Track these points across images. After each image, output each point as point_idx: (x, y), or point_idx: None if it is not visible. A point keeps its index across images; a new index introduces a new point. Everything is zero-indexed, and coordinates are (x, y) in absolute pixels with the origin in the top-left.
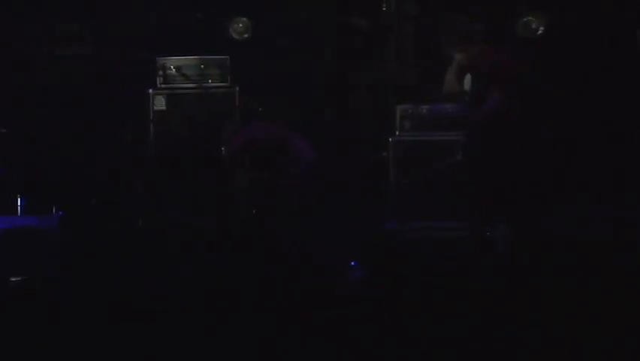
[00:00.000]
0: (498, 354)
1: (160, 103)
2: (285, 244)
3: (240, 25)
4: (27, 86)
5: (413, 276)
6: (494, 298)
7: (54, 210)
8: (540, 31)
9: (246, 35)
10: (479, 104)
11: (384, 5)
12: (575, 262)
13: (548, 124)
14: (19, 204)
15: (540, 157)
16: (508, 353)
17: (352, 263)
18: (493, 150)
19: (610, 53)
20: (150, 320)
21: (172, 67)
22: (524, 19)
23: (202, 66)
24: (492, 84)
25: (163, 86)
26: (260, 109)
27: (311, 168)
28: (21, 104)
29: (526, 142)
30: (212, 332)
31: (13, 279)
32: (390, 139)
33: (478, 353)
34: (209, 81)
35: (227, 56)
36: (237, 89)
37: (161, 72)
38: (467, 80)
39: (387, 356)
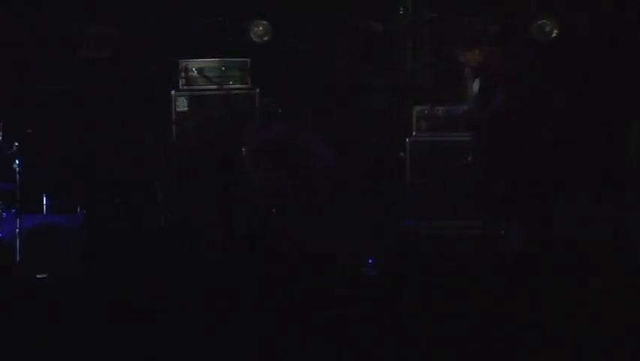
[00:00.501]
0: (505, 350)
1: (182, 104)
2: (303, 243)
3: (260, 28)
4: (52, 87)
5: (426, 273)
6: (506, 295)
7: (78, 209)
8: (554, 34)
9: (266, 38)
10: (486, 104)
11: (401, 9)
12: (575, 262)
13: (551, 124)
14: (44, 202)
15: (544, 156)
16: (515, 348)
17: (369, 261)
18: (498, 149)
19: (613, 54)
20: (170, 316)
21: (194, 69)
22: (538, 22)
23: (223, 68)
24: (497, 85)
25: (185, 87)
26: (279, 110)
27: (329, 168)
28: (47, 105)
29: (528, 141)
30: (229, 328)
31: (38, 276)
32: (406, 139)
33: (486, 350)
34: (230, 83)
35: (248, 59)
36: (257, 90)
37: (183, 74)
38: (476, 81)
39: (397, 353)
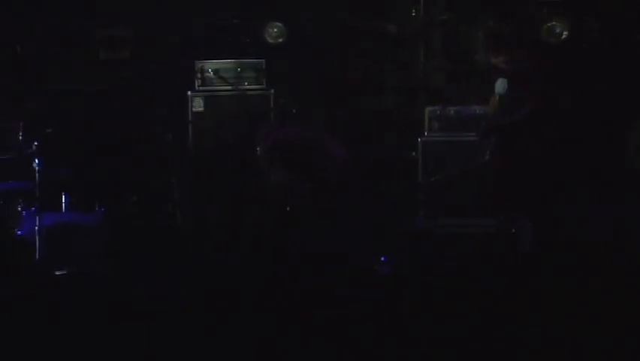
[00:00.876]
0: (515, 347)
1: (198, 104)
2: (316, 242)
3: (275, 30)
4: (71, 88)
5: (437, 271)
6: (516, 294)
7: (97, 207)
8: (564, 36)
9: (280, 40)
10: (511, 108)
11: (414, 11)
12: (580, 262)
13: (558, 124)
14: (63, 201)
15: (554, 156)
16: (525, 345)
17: (382, 259)
18: (517, 152)
19: (616, 55)
20: (185, 314)
21: (210, 70)
22: (548, 24)
23: (238, 69)
24: (525, 89)
25: (201, 88)
26: (293, 110)
27: (342, 167)
28: (66, 105)
29: (549, 145)
30: (244, 327)
31: (58, 272)
32: (419, 139)
33: (496, 348)
34: (246, 83)
35: (263, 60)
36: (272, 91)
37: (199, 75)
38: (499, 83)
39: (411, 350)
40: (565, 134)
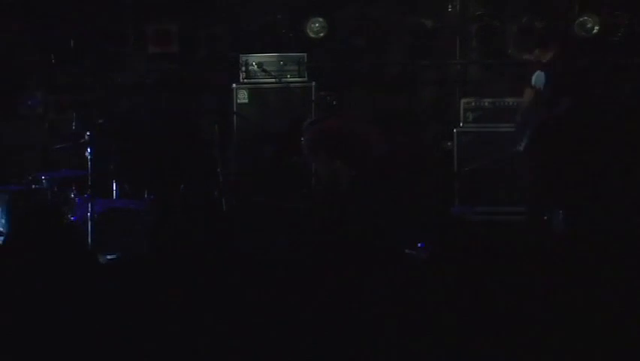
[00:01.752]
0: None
1: (243, 96)
2: (357, 229)
3: (317, 24)
4: (123, 80)
5: (473, 257)
6: (549, 280)
7: (146, 194)
8: (595, 31)
9: (322, 34)
10: (550, 103)
11: (450, 6)
12: (608, 251)
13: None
14: (114, 188)
15: (587, 147)
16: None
17: (420, 245)
18: (558, 146)
19: None
20: (232, 298)
21: (254, 63)
22: (580, 19)
23: (281, 63)
24: (565, 85)
25: (245, 81)
26: (334, 102)
27: (382, 157)
28: (117, 97)
29: (578, 134)
30: (287, 308)
31: (109, 257)
32: (454, 130)
33: (529, 334)
34: (288, 76)
35: (305, 54)
36: (314, 83)
37: (243, 68)
38: (536, 76)
39: (444, 335)
40: (597, 127)
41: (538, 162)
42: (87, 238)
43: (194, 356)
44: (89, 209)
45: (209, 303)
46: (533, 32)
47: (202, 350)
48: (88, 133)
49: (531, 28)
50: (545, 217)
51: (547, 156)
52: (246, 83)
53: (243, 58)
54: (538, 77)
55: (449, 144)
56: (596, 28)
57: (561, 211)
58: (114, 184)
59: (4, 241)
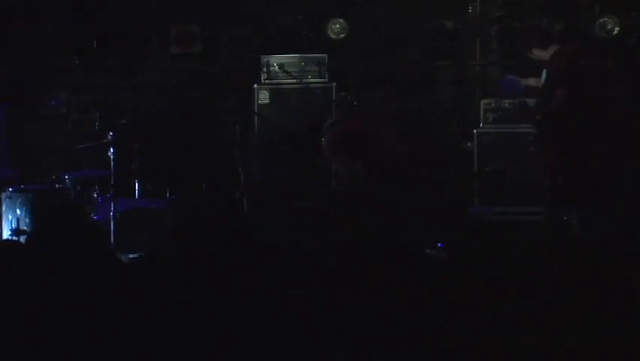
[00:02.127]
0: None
1: (264, 97)
2: (377, 229)
3: (337, 25)
4: (145, 81)
5: (492, 257)
6: (567, 280)
7: (168, 194)
8: (615, 32)
9: (342, 35)
10: (549, 98)
11: (470, 7)
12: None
13: (610, 117)
14: (136, 188)
15: (602, 148)
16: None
17: (439, 245)
18: (560, 141)
19: None
20: (254, 297)
21: (275, 64)
22: (601, 20)
23: (302, 63)
24: (560, 81)
25: (267, 81)
26: (355, 103)
27: (401, 158)
28: (140, 97)
29: (589, 133)
30: (307, 307)
31: (131, 256)
32: (474, 131)
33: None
34: (309, 77)
35: (326, 54)
36: (334, 84)
37: (265, 69)
38: (543, 74)
39: (464, 334)
40: (615, 125)
41: (548, 160)
42: (109, 238)
43: (216, 356)
44: (112, 208)
45: (231, 303)
46: (551, 33)
47: (224, 350)
48: (111, 133)
49: (550, 29)
50: (565, 218)
51: (553, 154)
52: (267, 84)
53: (264, 59)
54: (544, 75)
55: (469, 144)
56: (617, 29)
57: (576, 211)
58: (136, 184)
59: (27, 240)
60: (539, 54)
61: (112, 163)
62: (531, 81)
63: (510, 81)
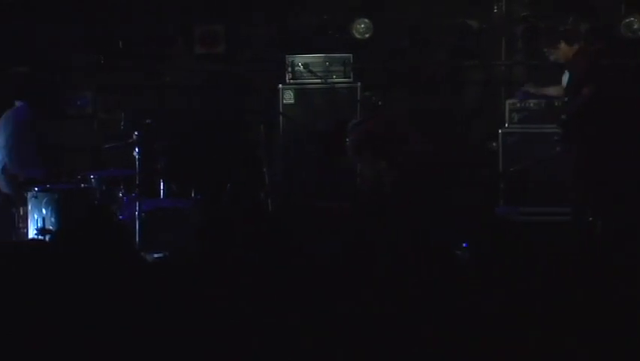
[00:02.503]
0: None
1: (289, 97)
2: (402, 229)
3: (362, 25)
4: (170, 81)
5: (517, 257)
6: (593, 281)
7: (193, 194)
8: None
9: (367, 35)
10: (573, 98)
11: (496, 7)
12: None
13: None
14: (161, 188)
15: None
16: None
17: (464, 245)
18: (584, 141)
19: None
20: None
21: (300, 64)
22: (626, 20)
23: (327, 63)
24: (583, 81)
25: (292, 81)
26: (379, 103)
27: (427, 157)
28: (165, 97)
29: (614, 134)
30: (329, 307)
31: (156, 255)
32: (499, 131)
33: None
34: (334, 77)
35: (351, 54)
36: (359, 84)
37: (290, 69)
38: (565, 74)
39: (488, 334)
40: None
41: (573, 161)
42: (135, 237)
43: (240, 356)
44: (137, 208)
45: (255, 303)
46: (577, 33)
47: (248, 350)
48: (136, 133)
49: (576, 29)
50: (591, 219)
51: (579, 154)
52: (292, 84)
53: (289, 59)
54: (564, 77)
55: (494, 144)
56: None
57: (599, 212)
58: (161, 184)
59: (52, 239)
60: (556, 53)
61: (137, 163)
62: (551, 90)
63: (525, 94)
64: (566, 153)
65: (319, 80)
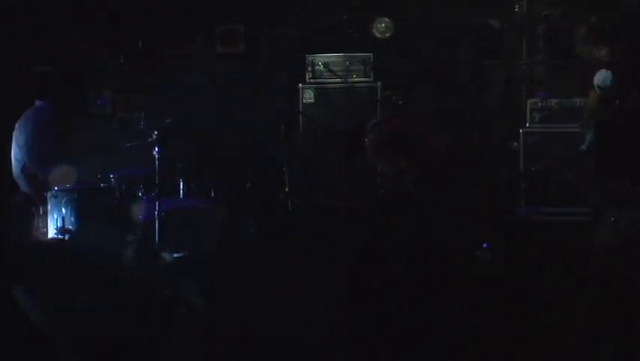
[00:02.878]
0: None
1: (309, 96)
2: (422, 230)
3: (383, 25)
4: (190, 80)
5: (538, 257)
6: (616, 279)
7: (213, 193)
8: None
9: (387, 34)
10: (614, 100)
11: (517, 6)
12: None
13: None
14: (181, 187)
15: None
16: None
17: (484, 245)
18: (622, 145)
19: None
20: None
21: (320, 63)
22: None
23: (347, 63)
24: (628, 83)
25: (312, 80)
26: (400, 102)
27: (447, 157)
28: (185, 97)
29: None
30: (356, 312)
31: (175, 255)
32: (520, 130)
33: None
34: (354, 76)
35: (371, 54)
36: (379, 83)
37: (310, 68)
38: (599, 75)
39: (509, 335)
40: None
41: (602, 162)
42: (154, 237)
43: (261, 356)
44: (156, 207)
45: (275, 301)
46: (601, 31)
47: (269, 349)
48: (156, 132)
49: (599, 27)
50: (612, 219)
51: (611, 157)
52: (312, 83)
53: (309, 58)
54: (599, 76)
55: (515, 144)
56: None
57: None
58: (181, 183)
59: (71, 239)
60: (589, 52)
61: (157, 162)
62: (576, 102)
63: (546, 94)
64: (595, 152)
65: (339, 80)
